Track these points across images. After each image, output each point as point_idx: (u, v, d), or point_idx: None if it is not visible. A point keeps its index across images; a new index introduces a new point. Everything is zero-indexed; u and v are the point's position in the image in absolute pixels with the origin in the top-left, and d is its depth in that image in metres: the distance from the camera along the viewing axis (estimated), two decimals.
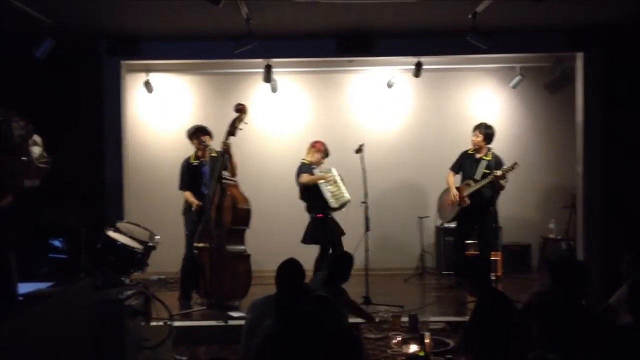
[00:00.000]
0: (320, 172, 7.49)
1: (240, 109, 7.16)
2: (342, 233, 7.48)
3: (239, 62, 8.19)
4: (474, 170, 7.71)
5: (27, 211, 4.66)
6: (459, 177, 7.89)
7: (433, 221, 8.99)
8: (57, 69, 7.10)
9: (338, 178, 7.48)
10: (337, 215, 7.55)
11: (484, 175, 7.59)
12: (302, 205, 7.55)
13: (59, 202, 6.62)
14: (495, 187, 7.50)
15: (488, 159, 7.70)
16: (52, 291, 4.46)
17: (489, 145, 7.74)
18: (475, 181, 7.62)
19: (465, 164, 7.83)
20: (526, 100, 9.44)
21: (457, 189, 7.78)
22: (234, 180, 7.24)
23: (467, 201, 7.63)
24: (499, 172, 7.36)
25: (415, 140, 9.29)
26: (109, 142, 7.65)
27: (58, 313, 3.91)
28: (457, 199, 7.66)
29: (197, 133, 7.33)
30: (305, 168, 7.53)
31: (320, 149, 7.56)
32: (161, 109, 9.40)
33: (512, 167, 7.38)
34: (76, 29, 7.04)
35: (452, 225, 8.23)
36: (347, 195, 7.44)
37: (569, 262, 5.03)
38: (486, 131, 7.70)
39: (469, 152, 7.83)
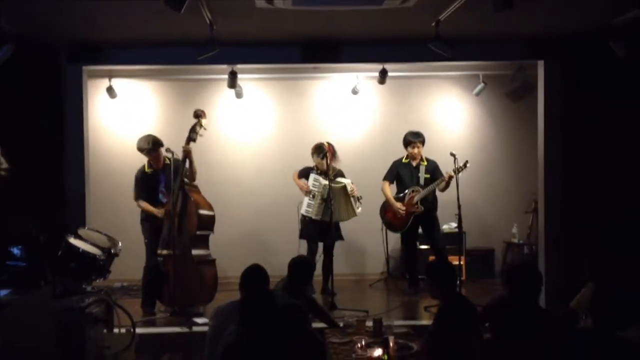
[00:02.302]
0: (320, 177, 7.58)
1: (199, 115, 7.15)
2: (323, 238, 7.56)
3: (203, 68, 8.14)
4: (415, 177, 7.88)
5: None
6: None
7: None
8: (17, 75, 6.98)
9: (318, 195, 7.52)
10: None
11: (426, 181, 7.78)
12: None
13: (18, 209, 6.53)
14: (440, 188, 7.70)
15: (425, 164, 7.90)
16: (10, 299, 4.39)
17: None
18: (422, 187, 7.73)
19: (402, 173, 7.97)
20: (489, 107, 9.56)
21: (401, 198, 7.91)
22: (195, 186, 7.19)
23: (421, 207, 7.72)
24: (451, 172, 7.46)
25: (380, 147, 9.33)
26: (70, 148, 7.55)
27: (16, 321, 3.84)
28: (403, 212, 7.77)
29: (150, 149, 7.16)
30: (303, 169, 7.72)
31: (315, 152, 7.61)
32: (124, 115, 9.30)
33: (464, 166, 7.48)
34: (36, 35, 6.93)
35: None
36: (321, 217, 7.52)
37: (521, 268, 5.09)
38: (422, 139, 7.92)
39: (404, 161, 7.98)
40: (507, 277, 4.48)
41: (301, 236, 7.76)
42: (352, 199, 7.60)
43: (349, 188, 7.56)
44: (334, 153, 7.72)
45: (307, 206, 7.60)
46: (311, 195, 7.54)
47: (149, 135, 7.27)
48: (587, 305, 4.52)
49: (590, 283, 4.90)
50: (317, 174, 7.62)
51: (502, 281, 4.56)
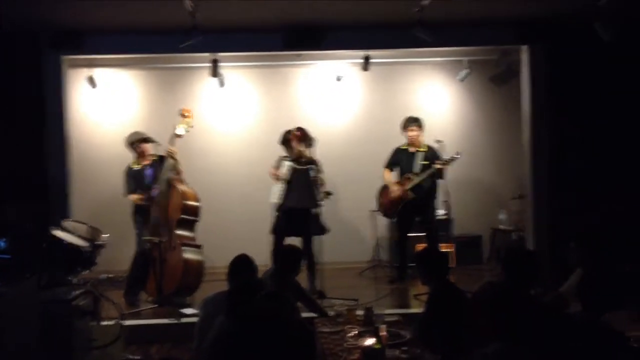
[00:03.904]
0: (287, 164, 7.31)
1: (185, 115, 7.18)
2: (299, 231, 7.36)
3: (185, 56, 8.09)
4: (411, 164, 7.80)
5: None
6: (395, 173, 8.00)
7: None
8: None
9: (284, 179, 7.26)
10: None
11: (424, 167, 7.69)
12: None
13: (1, 202, 6.46)
14: (436, 177, 7.60)
15: (423, 150, 7.81)
16: None
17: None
18: (416, 174, 7.70)
19: (400, 159, 7.92)
20: (474, 93, 9.54)
21: (398, 183, 7.85)
22: (180, 177, 7.19)
23: (411, 195, 7.70)
24: (439, 165, 7.44)
25: (365, 134, 9.30)
26: (51, 139, 7.48)
27: (1, 314, 3.79)
28: (401, 192, 7.72)
29: (138, 144, 7.21)
30: (277, 160, 7.46)
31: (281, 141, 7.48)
32: (106, 104, 9.20)
33: (454, 158, 7.47)
34: (14, 22, 6.82)
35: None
36: (282, 201, 7.28)
37: (520, 252, 5.09)
38: (419, 123, 7.84)
39: (402, 147, 7.92)
40: (504, 261, 4.46)
41: (273, 231, 7.37)
42: (315, 188, 7.17)
43: (311, 174, 7.20)
44: (301, 138, 7.32)
45: (274, 193, 7.31)
46: (281, 182, 7.30)
47: (133, 133, 7.33)
48: (576, 290, 4.54)
49: (579, 269, 4.91)
50: (289, 160, 7.44)
51: (501, 265, 4.53)
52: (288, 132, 7.38)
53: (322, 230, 7.31)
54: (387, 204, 7.99)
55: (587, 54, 7.41)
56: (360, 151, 9.23)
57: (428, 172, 7.60)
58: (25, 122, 7.29)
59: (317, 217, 7.25)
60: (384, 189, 8.04)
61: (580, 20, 6.91)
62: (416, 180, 7.68)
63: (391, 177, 7.96)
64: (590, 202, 7.27)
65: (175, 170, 7.13)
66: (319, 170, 7.26)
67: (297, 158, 7.30)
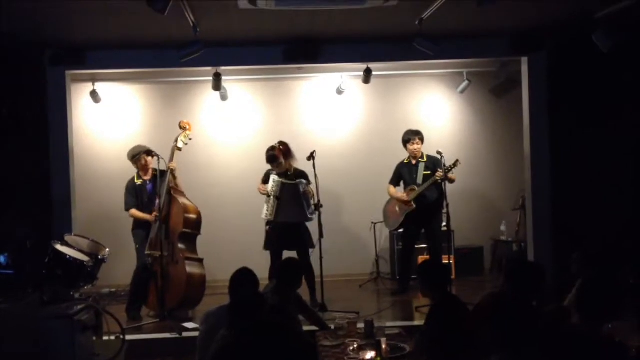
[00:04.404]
0: (275, 179, 7.28)
1: (184, 127, 7.24)
2: (290, 246, 7.33)
3: (188, 70, 8.12)
4: (414, 175, 7.82)
5: None
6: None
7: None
8: None
9: (272, 194, 7.20)
10: None
11: (425, 177, 7.71)
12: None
13: (3, 216, 6.47)
14: (443, 187, 7.54)
15: (424, 160, 7.84)
16: None
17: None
18: (419, 185, 7.71)
19: (403, 173, 7.94)
20: (474, 104, 9.58)
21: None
22: (181, 191, 7.25)
23: (413, 205, 7.71)
24: (440, 173, 7.45)
25: (366, 146, 9.33)
26: (55, 153, 7.51)
27: (4, 329, 3.80)
28: (406, 198, 7.73)
29: (140, 156, 7.22)
30: (264, 175, 7.47)
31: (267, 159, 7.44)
32: (109, 119, 9.24)
33: (454, 165, 7.48)
34: (19, 38, 6.86)
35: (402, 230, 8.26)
36: (273, 217, 7.21)
37: (523, 264, 5.10)
38: (421, 136, 7.86)
39: (404, 162, 7.96)
40: (506, 272, 4.46)
41: (266, 247, 7.39)
42: (305, 201, 7.16)
43: (301, 188, 7.19)
44: (285, 153, 7.31)
45: (265, 209, 7.27)
46: (269, 197, 7.26)
47: (136, 147, 7.35)
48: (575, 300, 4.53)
49: (580, 280, 4.91)
50: (276, 175, 7.44)
51: (503, 276, 4.52)
52: (272, 149, 7.35)
53: (312, 244, 7.31)
54: (393, 216, 8.01)
55: (586, 65, 7.43)
56: (361, 163, 9.25)
57: (430, 181, 7.61)
58: (29, 137, 7.32)
59: (307, 229, 7.32)
60: (389, 202, 8.06)
61: (580, 31, 6.95)
62: (418, 190, 7.68)
63: (396, 190, 7.98)
64: (591, 213, 7.27)
65: (175, 186, 7.18)
66: (308, 183, 7.25)
67: (285, 172, 7.31)
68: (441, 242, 7.84)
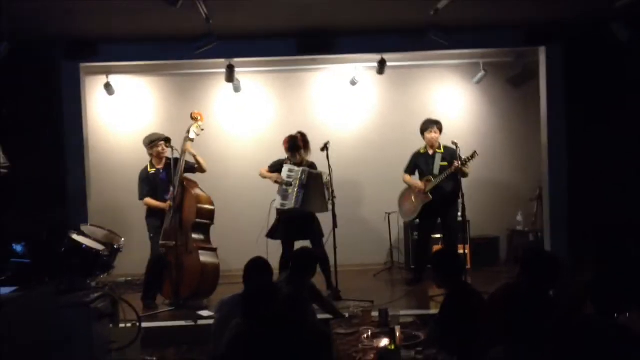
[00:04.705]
0: (295, 167, 7.30)
1: (195, 117, 7.26)
2: (305, 235, 7.34)
3: (201, 62, 8.14)
4: (430, 166, 7.75)
5: None
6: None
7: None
8: (14, 73, 6.99)
9: (296, 182, 7.21)
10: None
11: (442, 168, 7.64)
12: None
13: (20, 207, 6.54)
14: (458, 177, 7.49)
15: (441, 152, 7.76)
16: (14, 296, 4.39)
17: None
18: (435, 176, 7.67)
19: (419, 162, 7.87)
20: (490, 95, 9.51)
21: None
22: (194, 181, 7.27)
23: (430, 197, 7.68)
24: (457, 163, 7.39)
25: (380, 137, 9.31)
26: (70, 145, 7.59)
27: (22, 318, 3.84)
28: (423, 187, 7.69)
29: (155, 143, 7.23)
30: (274, 163, 7.50)
31: (284, 145, 7.46)
32: (123, 111, 9.28)
33: (471, 157, 7.43)
34: (33, 33, 6.92)
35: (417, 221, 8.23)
36: (300, 205, 7.23)
37: (539, 254, 5.07)
38: (439, 126, 7.78)
39: (421, 151, 7.88)
40: (522, 262, 4.43)
41: (273, 236, 7.36)
42: (326, 191, 7.17)
43: (324, 178, 7.20)
44: (305, 143, 7.36)
45: (282, 198, 7.28)
46: (285, 185, 7.25)
47: (152, 134, 7.38)
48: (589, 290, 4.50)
49: (594, 269, 4.89)
50: (291, 164, 7.45)
51: (519, 267, 4.50)
52: (295, 138, 7.35)
53: (321, 232, 7.35)
54: (408, 206, 7.99)
55: (604, 54, 7.38)
56: (375, 154, 9.24)
57: (447, 172, 7.56)
58: (44, 130, 7.39)
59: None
60: (405, 192, 8.04)
61: (598, 20, 6.89)
62: (435, 182, 7.63)
63: (411, 178, 7.95)
64: (608, 203, 7.23)
65: (199, 163, 7.20)
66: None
67: (299, 163, 7.32)
68: (457, 233, 7.78)
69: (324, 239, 7.27)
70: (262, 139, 9.16)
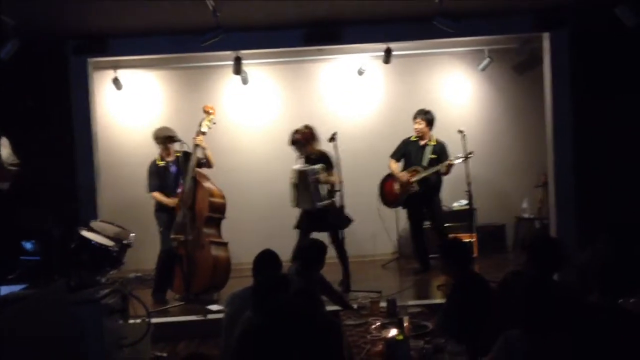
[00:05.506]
0: (293, 169, 7.34)
1: (208, 111, 7.25)
2: (320, 228, 7.33)
3: (208, 55, 8.14)
4: (419, 157, 7.75)
5: None
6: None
7: None
8: (23, 69, 7.03)
9: (292, 182, 7.26)
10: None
11: (431, 161, 7.65)
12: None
13: (29, 204, 6.58)
14: (441, 174, 7.58)
15: (433, 144, 7.75)
16: (25, 294, 4.43)
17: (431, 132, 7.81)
18: (424, 167, 7.66)
19: (408, 151, 7.87)
20: (495, 82, 9.49)
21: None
22: (206, 175, 7.26)
23: (416, 187, 7.68)
24: (449, 162, 7.42)
25: (387, 126, 9.29)
26: (79, 141, 7.61)
27: (33, 315, 3.87)
28: (407, 178, 7.70)
29: (166, 141, 7.25)
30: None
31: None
32: (131, 105, 9.31)
33: (467, 157, 7.44)
34: (41, 29, 6.95)
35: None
36: (296, 204, 7.29)
37: (545, 240, 5.07)
38: (426, 117, 7.74)
39: (412, 139, 7.87)
40: (529, 249, 4.44)
41: (297, 226, 7.40)
42: (311, 185, 7.08)
43: (310, 175, 7.11)
44: (308, 137, 7.30)
45: (290, 198, 7.36)
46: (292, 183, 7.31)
47: (167, 129, 7.34)
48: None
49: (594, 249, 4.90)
50: (299, 160, 7.39)
51: (526, 253, 4.50)
52: (296, 132, 7.34)
53: (347, 222, 7.32)
54: (388, 194, 8.02)
55: (609, 40, 7.34)
56: (382, 144, 9.17)
57: (436, 167, 7.56)
58: (53, 126, 7.42)
59: (340, 210, 7.23)
60: (387, 178, 8.04)
61: (603, 5, 6.84)
62: (423, 174, 7.64)
63: (398, 167, 7.94)
64: (614, 190, 7.21)
65: (207, 159, 7.19)
66: (329, 165, 7.22)
67: (308, 156, 7.32)
68: (443, 220, 7.86)
69: (340, 233, 7.22)
70: (271, 131, 9.17)
